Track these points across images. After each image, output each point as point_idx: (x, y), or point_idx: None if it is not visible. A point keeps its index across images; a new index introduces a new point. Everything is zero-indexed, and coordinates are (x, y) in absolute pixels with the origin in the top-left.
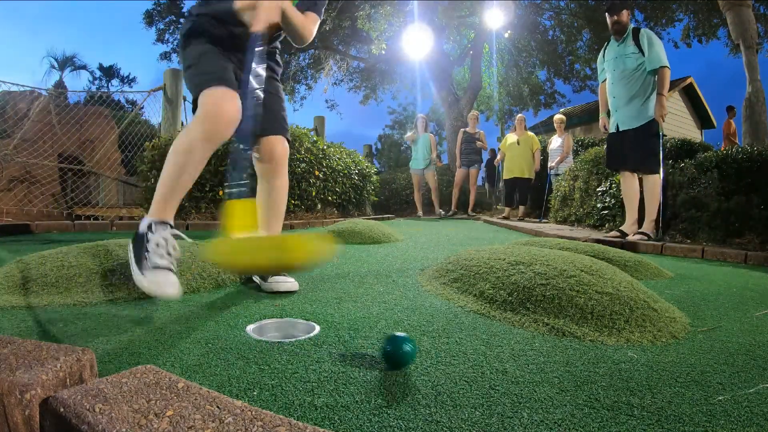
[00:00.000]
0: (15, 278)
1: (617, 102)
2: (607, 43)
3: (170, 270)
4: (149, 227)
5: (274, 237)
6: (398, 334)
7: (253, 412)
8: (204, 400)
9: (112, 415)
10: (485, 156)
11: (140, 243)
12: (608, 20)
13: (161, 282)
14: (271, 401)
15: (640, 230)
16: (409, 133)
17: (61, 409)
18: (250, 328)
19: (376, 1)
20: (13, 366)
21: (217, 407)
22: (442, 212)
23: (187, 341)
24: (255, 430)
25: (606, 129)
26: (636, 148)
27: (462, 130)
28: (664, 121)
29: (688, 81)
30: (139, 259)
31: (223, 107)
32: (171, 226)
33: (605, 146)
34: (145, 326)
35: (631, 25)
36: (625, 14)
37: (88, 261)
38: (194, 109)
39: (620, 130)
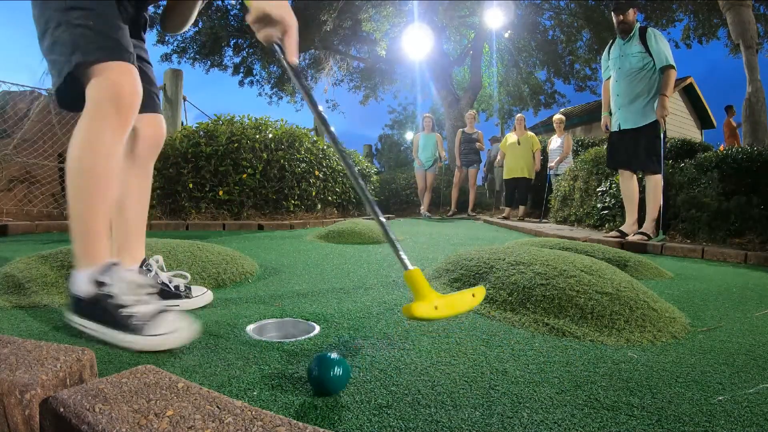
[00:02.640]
0: (15, 278)
1: (620, 101)
2: (613, 41)
3: (167, 309)
4: (97, 283)
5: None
6: (329, 355)
7: (253, 412)
8: (204, 400)
9: (112, 415)
10: (483, 156)
11: (99, 306)
12: (614, 19)
13: (174, 332)
14: (271, 401)
15: (639, 230)
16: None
17: (61, 409)
18: (250, 328)
19: (377, 2)
20: (13, 366)
21: (217, 407)
22: (428, 213)
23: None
24: (255, 430)
25: (608, 128)
26: (638, 148)
27: (460, 130)
28: (665, 122)
29: (688, 81)
30: (119, 323)
31: (133, 85)
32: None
33: (606, 145)
34: None
35: (638, 24)
36: (631, 13)
37: None
38: (68, 89)
39: (622, 129)
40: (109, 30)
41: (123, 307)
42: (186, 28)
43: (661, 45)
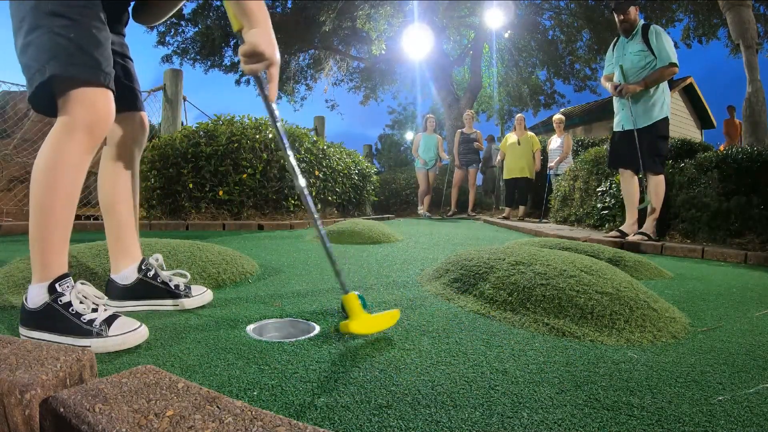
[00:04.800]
0: (15, 278)
1: (623, 101)
2: (617, 39)
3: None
4: (53, 293)
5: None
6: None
7: (253, 412)
8: (204, 400)
9: (112, 415)
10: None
11: (53, 316)
12: (616, 19)
13: (132, 331)
14: (271, 401)
15: (640, 230)
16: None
17: (61, 409)
18: (250, 328)
19: (376, 1)
20: (13, 366)
21: (217, 407)
22: (428, 213)
23: (187, 341)
24: (255, 430)
25: (617, 87)
26: (640, 148)
27: (459, 131)
28: (621, 95)
29: (688, 81)
30: (76, 329)
31: (108, 108)
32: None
33: (608, 145)
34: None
35: (641, 22)
36: (632, 12)
37: (88, 261)
38: (40, 93)
39: (625, 129)
40: (91, 47)
41: (80, 315)
42: (158, 22)
43: (663, 43)
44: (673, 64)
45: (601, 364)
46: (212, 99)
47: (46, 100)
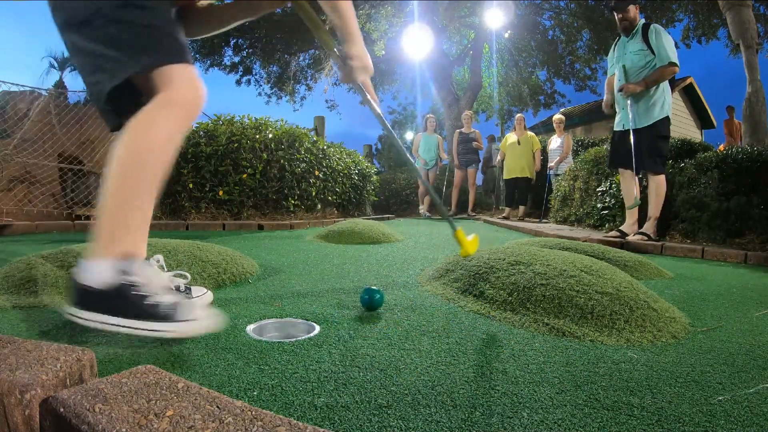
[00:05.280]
0: (15, 278)
1: (624, 100)
2: (618, 38)
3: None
4: (121, 273)
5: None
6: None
7: (253, 412)
8: (204, 400)
9: (112, 415)
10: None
11: (119, 297)
12: (615, 18)
13: (204, 317)
14: (271, 401)
15: (640, 230)
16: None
17: (61, 409)
18: (250, 328)
19: (376, 2)
20: (13, 366)
21: (217, 407)
22: (428, 213)
23: (187, 341)
24: (255, 430)
25: (611, 107)
26: (640, 148)
27: (458, 131)
28: (625, 94)
29: (688, 81)
30: (145, 313)
31: (204, 90)
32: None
33: (609, 144)
34: None
35: (641, 21)
36: (631, 10)
37: None
38: (133, 87)
39: (626, 128)
40: (173, 31)
41: (147, 296)
42: (203, 35)
43: (663, 42)
44: (673, 64)
45: (601, 364)
46: (212, 99)
47: (123, 95)
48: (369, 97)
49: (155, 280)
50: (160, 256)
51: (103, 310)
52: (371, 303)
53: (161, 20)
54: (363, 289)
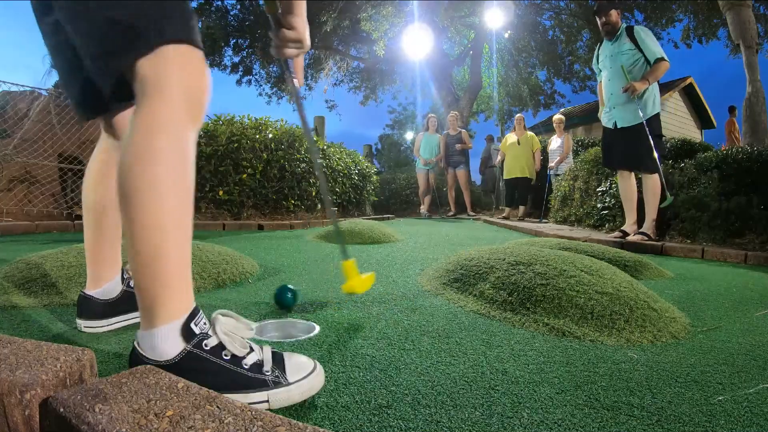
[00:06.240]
0: (15, 278)
1: (615, 99)
2: (600, 45)
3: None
4: (189, 334)
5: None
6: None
7: (253, 412)
8: (204, 400)
9: (112, 415)
10: (474, 154)
11: (206, 367)
12: (598, 22)
13: (314, 371)
14: None
15: (640, 230)
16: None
17: (61, 409)
18: None
19: (377, 2)
20: (13, 366)
21: (217, 407)
22: (428, 213)
23: None
24: (255, 430)
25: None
26: (634, 146)
27: (444, 132)
28: (631, 94)
29: (688, 81)
30: (237, 382)
31: (208, 79)
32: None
33: (601, 143)
34: None
35: (623, 24)
36: (613, 14)
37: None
38: (112, 74)
39: (619, 127)
40: (192, 13)
41: (240, 359)
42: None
43: (651, 41)
44: (664, 59)
45: (601, 364)
46: (212, 99)
47: (123, 72)
48: (293, 77)
49: (234, 332)
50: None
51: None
52: (283, 301)
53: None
54: (278, 288)
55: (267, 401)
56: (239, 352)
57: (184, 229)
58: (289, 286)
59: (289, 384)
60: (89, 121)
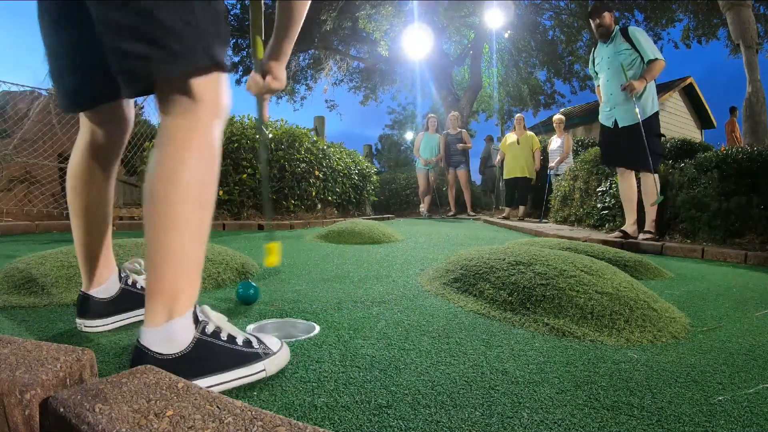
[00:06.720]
0: (15, 278)
1: (614, 99)
2: (595, 48)
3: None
4: (197, 322)
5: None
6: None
7: (253, 412)
8: (204, 400)
9: (112, 415)
10: (474, 154)
11: (208, 351)
12: (592, 24)
13: (282, 344)
14: (271, 401)
15: (646, 230)
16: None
17: (61, 409)
18: (250, 328)
19: (377, 2)
20: (13, 366)
21: (217, 407)
22: (428, 213)
23: None
24: (255, 430)
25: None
26: (630, 145)
27: (444, 132)
28: (630, 93)
29: (688, 81)
30: (239, 357)
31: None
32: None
33: (599, 142)
34: None
35: (617, 27)
36: (607, 16)
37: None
38: (163, 93)
39: (619, 126)
40: (228, 35)
41: (234, 339)
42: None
43: (645, 40)
44: (658, 58)
45: (601, 364)
46: None
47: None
48: (263, 112)
49: (222, 321)
50: (141, 260)
51: (195, 373)
52: (246, 298)
53: (224, 22)
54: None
55: (264, 370)
56: (234, 332)
57: (205, 229)
58: (251, 282)
59: (275, 353)
60: (75, 113)
